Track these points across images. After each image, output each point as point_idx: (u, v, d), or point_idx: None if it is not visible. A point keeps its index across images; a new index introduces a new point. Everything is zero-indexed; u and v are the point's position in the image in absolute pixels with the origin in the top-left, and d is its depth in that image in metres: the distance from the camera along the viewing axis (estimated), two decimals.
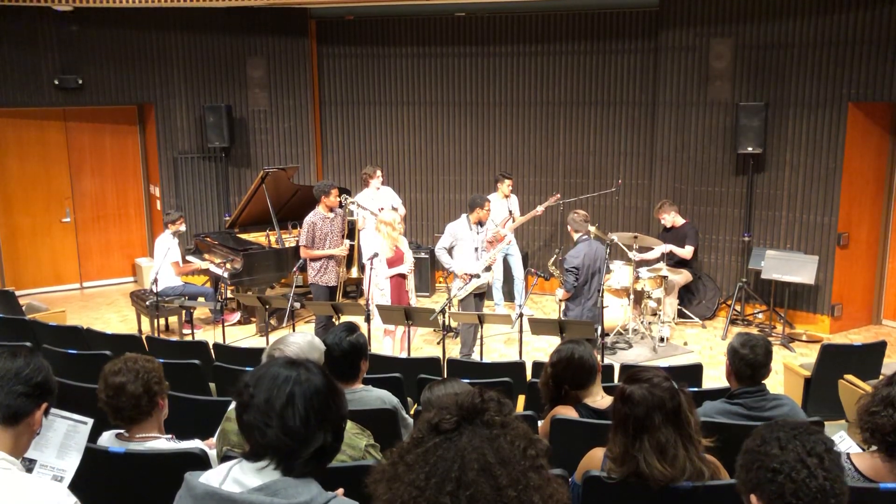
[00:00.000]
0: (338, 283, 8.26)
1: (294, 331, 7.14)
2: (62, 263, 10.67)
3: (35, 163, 10.31)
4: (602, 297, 6.98)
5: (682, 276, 8.68)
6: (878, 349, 5.77)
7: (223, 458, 3.00)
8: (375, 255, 7.15)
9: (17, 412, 2.18)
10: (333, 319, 7.51)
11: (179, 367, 4.91)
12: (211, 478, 1.88)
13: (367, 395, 3.76)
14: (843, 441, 3.21)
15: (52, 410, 2.77)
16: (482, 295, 7.83)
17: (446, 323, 6.82)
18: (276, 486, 1.80)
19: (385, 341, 7.43)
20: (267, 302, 7.54)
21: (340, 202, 8.29)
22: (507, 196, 9.33)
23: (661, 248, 8.57)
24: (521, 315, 6.54)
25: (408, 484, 1.57)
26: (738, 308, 8.92)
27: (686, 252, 8.63)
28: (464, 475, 1.54)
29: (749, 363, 3.65)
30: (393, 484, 1.60)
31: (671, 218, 8.82)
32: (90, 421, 2.75)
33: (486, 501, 1.53)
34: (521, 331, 6.53)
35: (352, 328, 3.74)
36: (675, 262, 8.70)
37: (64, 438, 2.70)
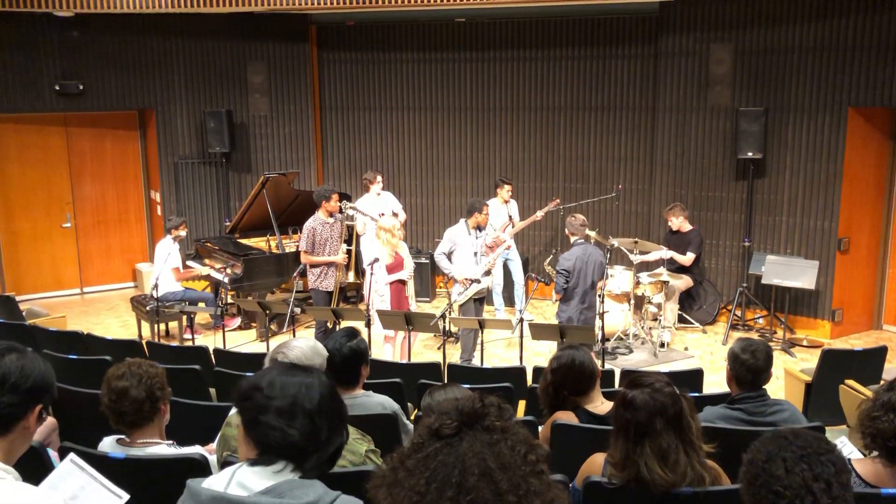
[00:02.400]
0: (335, 289, 8.26)
1: (294, 336, 7.14)
2: (63, 268, 10.66)
3: (36, 168, 10.31)
4: (603, 301, 6.97)
5: (683, 282, 8.68)
6: (879, 354, 5.77)
7: (224, 464, 3.00)
8: (376, 260, 7.15)
9: (7, 420, 2.10)
10: (329, 324, 7.52)
11: (180, 372, 4.91)
12: (214, 483, 1.87)
13: (368, 400, 3.76)
14: (845, 446, 3.21)
15: (95, 476, 2.62)
16: (482, 300, 7.84)
17: (447, 328, 6.82)
18: (282, 487, 1.80)
19: (385, 347, 7.43)
20: (267, 307, 7.54)
21: (340, 207, 8.29)
22: (506, 201, 9.35)
23: (661, 253, 8.57)
24: (521, 320, 6.54)
25: (408, 489, 1.57)
26: (738, 313, 8.91)
27: (686, 259, 8.63)
28: (464, 480, 1.54)
29: (750, 368, 3.65)
30: (393, 489, 1.60)
31: (678, 222, 8.81)
32: (125, 496, 2.64)
33: None
34: (521, 336, 6.53)
35: (352, 333, 3.74)
36: (676, 268, 8.70)
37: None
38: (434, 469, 1.56)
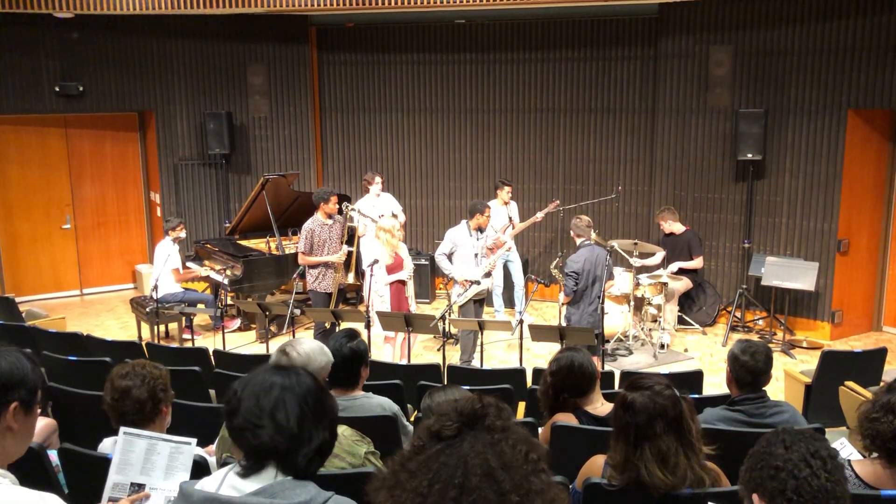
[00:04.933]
0: (334, 290, 8.25)
1: (294, 337, 7.14)
2: (62, 270, 10.66)
3: (36, 169, 10.32)
4: (603, 303, 6.97)
5: (683, 283, 8.69)
6: (879, 356, 5.77)
7: (223, 465, 3.00)
8: (375, 261, 7.15)
9: None
10: (326, 325, 7.50)
11: (179, 373, 4.90)
12: (206, 485, 1.87)
13: (368, 401, 3.76)
14: (844, 448, 3.21)
15: (153, 435, 2.80)
16: (482, 301, 7.84)
17: (446, 329, 6.81)
18: (273, 488, 1.80)
19: (385, 348, 7.43)
20: (267, 308, 7.55)
21: (340, 209, 8.29)
22: (506, 203, 9.35)
23: (672, 267, 8.59)
24: (521, 321, 6.54)
25: (410, 491, 1.57)
26: (738, 315, 8.91)
27: (696, 263, 8.67)
28: (467, 481, 1.54)
29: (750, 370, 3.65)
30: (395, 491, 1.60)
31: (668, 226, 8.83)
32: (193, 441, 2.81)
33: None
34: (521, 337, 6.53)
35: (352, 335, 3.75)
36: (678, 269, 8.70)
37: (169, 461, 2.77)
38: (436, 470, 1.57)
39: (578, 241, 7.20)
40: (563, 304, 7.30)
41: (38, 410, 2.13)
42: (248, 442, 1.84)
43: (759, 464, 2.04)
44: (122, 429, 2.82)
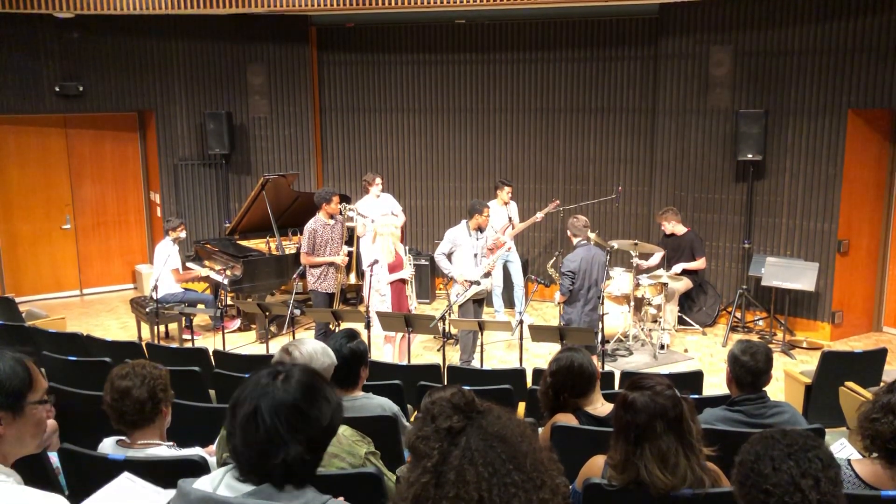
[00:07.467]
0: (336, 290, 8.26)
1: (294, 338, 7.14)
2: (62, 270, 10.66)
3: (35, 169, 10.32)
4: (602, 303, 6.97)
5: (683, 284, 8.68)
6: (879, 356, 5.77)
7: (223, 465, 3.00)
8: (376, 261, 7.15)
9: None
10: (332, 326, 7.51)
11: (179, 373, 4.90)
12: (204, 484, 1.87)
13: (368, 402, 3.76)
14: (844, 448, 3.21)
15: (147, 486, 2.58)
16: (482, 301, 7.84)
17: (446, 330, 6.81)
18: (270, 489, 1.79)
19: (385, 348, 7.43)
20: (267, 309, 7.54)
21: (340, 209, 8.30)
22: (506, 203, 9.35)
23: (676, 268, 8.57)
24: (521, 322, 6.54)
25: (453, 498, 1.61)
26: (738, 315, 8.91)
27: (699, 263, 8.66)
28: (496, 464, 1.67)
29: (750, 370, 3.65)
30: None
31: (671, 226, 8.82)
32: (124, 474, 2.62)
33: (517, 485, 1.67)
34: (521, 337, 6.53)
35: (352, 335, 3.74)
36: (681, 270, 8.69)
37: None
38: (461, 465, 1.61)
39: (575, 240, 7.20)
40: (558, 303, 7.30)
41: (43, 412, 2.12)
42: (230, 448, 1.84)
43: (748, 481, 1.99)
44: (127, 474, 2.64)
